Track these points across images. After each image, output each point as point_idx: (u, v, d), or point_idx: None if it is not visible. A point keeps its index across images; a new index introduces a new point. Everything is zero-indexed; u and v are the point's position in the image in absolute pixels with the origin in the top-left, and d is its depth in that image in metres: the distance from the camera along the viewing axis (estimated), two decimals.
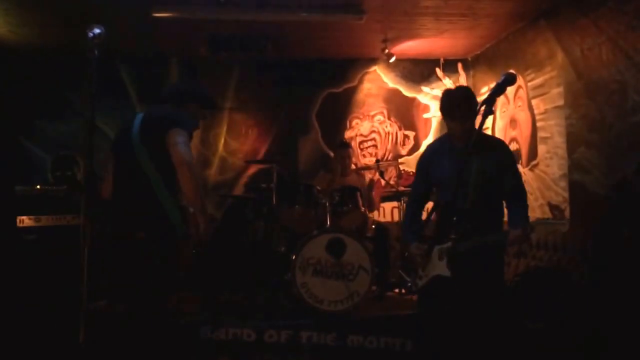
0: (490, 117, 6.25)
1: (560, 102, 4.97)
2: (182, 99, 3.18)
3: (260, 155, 6.64)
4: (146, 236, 2.84)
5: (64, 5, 4.86)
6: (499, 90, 2.55)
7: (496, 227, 3.05)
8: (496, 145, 3.16)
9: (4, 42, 5.75)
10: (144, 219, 2.88)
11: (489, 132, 6.41)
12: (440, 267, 2.97)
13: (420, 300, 3.37)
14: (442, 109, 2.99)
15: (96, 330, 2.48)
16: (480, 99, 2.83)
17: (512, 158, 3.17)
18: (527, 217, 3.03)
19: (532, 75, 5.44)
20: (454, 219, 2.91)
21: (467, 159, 2.79)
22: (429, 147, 3.34)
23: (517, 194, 3.09)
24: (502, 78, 2.51)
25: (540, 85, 5.31)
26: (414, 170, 5.30)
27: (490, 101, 2.51)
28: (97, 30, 2.20)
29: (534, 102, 5.46)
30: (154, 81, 6.52)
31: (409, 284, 3.46)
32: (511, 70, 2.48)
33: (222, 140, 6.68)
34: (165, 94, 3.29)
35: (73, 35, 4.88)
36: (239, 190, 6.57)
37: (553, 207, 5.01)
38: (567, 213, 4.83)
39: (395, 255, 5.58)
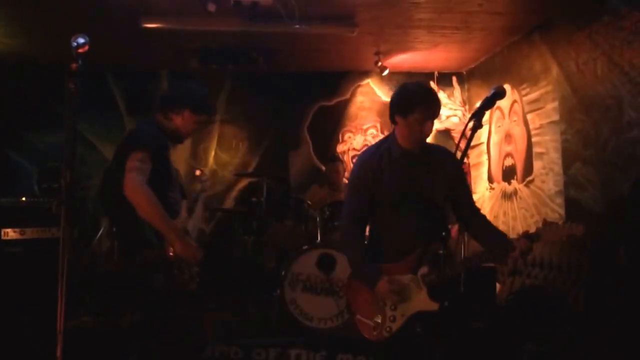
0: (485, 132, 6.22)
1: (556, 117, 4.92)
2: (169, 106, 2.89)
3: (251, 169, 6.56)
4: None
5: (52, 16, 4.79)
6: (488, 104, 2.42)
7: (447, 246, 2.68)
8: (445, 153, 2.77)
9: None
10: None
11: (483, 147, 6.36)
12: (420, 301, 2.50)
13: (396, 348, 2.59)
14: (413, 102, 2.52)
15: (76, 346, 2.38)
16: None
17: (463, 169, 2.85)
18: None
19: (527, 90, 5.39)
20: (417, 240, 2.52)
21: (419, 170, 2.57)
22: (366, 159, 2.71)
23: (476, 207, 2.79)
24: (492, 92, 2.41)
25: (536, 100, 5.26)
26: None
27: (479, 115, 2.39)
28: (81, 40, 2.13)
29: (529, 116, 5.40)
30: (143, 94, 6.45)
31: (374, 331, 2.55)
32: (502, 84, 2.38)
33: (213, 153, 6.60)
34: (155, 102, 3.12)
35: (60, 46, 4.80)
36: (229, 204, 6.48)
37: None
38: None
39: None
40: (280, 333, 4.21)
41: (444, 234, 2.63)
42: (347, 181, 5.91)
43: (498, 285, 5.16)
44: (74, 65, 2.11)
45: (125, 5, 4.57)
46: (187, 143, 6.48)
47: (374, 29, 5.21)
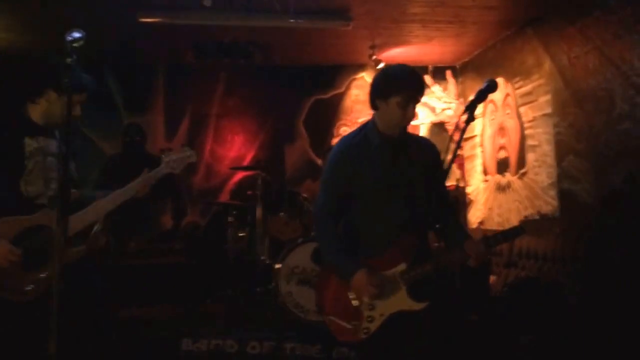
0: (479, 125, 6.26)
1: (549, 110, 4.96)
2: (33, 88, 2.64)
3: (246, 162, 6.57)
4: None
5: (49, 9, 4.77)
6: (480, 97, 2.33)
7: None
8: (424, 142, 2.66)
9: None
10: None
11: (477, 139, 6.40)
12: (400, 300, 2.32)
13: (375, 351, 2.39)
14: (395, 84, 2.38)
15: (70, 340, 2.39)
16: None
17: (441, 159, 2.60)
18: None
19: (520, 83, 5.42)
20: (397, 234, 2.37)
21: (400, 158, 2.42)
22: (344, 146, 2.54)
23: (451, 201, 2.70)
24: (484, 85, 2.32)
25: (529, 93, 5.29)
26: None
27: (472, 107, 2.30)
28: (76, 35, 2.11)
29: (522, 109, 5.44)
30: (140, 89, 6.46)
31: (351, 333, 2.35)
32: (495, 78, 2.33)
33: (208, 147, 6.61)
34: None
35: (57, 41, 4.80)
36: (224, 197, 6.49)
37: (542, 217, 4.97)
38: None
39: None
40: (276, 326, 4.19)
41: (426, 226, 2.48)
42: None
43: (492, 277, 5.21)
44: (68, 60, 2.11)
45: (123, 0, 4.57)
46: (183, 136, 6.52)
47: (368, 22, 5.22)
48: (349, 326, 2.36)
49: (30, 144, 2.54)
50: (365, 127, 2.56)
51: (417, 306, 2.31)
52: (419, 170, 2.45)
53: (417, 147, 2.53)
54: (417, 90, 2.40)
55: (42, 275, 2.44)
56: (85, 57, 2.12)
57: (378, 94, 2.43)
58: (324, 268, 2.58)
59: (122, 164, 5.05)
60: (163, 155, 2.87)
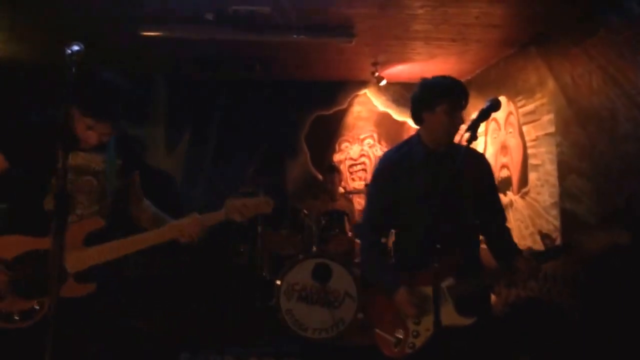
0: (481, 143, 6.24)
1: (551, 129, 4.94)
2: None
3: (248, 177, 6.54)
4: None
5: (51, 21, 4.79)
6: (483, 116, 2.29)
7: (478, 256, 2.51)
8: (473, 153, 2.58)
9: None
10: None
11: None
12: (447, 315, 2.26)
13: None
14: (438, 93, 2.39)
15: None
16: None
17: (492, 171, 2.66)
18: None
19: (523, 102, 5.41)
20: (444, 248, 2.25)
21: (446, 171, 2.34)
22: (387, 159, 2.59)
23: (504, 214, 2.60)
24: (487, 104, 2.26)
25: (531, 112, 5.28)
26: None
27: (474, 126, 2.25)
28: (75, 48, 2.09)
29: (524, 128, 5.42)
30: (141, 101, 6.46)
31: (395, 347, 2.31)
32: (499, 97, 2.32)
33: (209, 160, 6.59)
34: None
35: (58, 53, 4.81)
36: None
37: (544, 236, 4.94)
38: (558, 242, 4.76)
39: None
40: (275, 343, 4.19)
41: (476, 240, 2.46)
42: (343, 191, 5.91)
43: (493, 297, 5.16)
44: (68, 73, 2.09)
45: (125, 14, 4.58)
46: (184, 149, 6.51)
47: (371, 39, 5.23)
48: (394, 340, 2.35)
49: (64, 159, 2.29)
50: (409, 141, 2.58)
51: (465, 322, 2.28)
52: (468, 183, 2.42)
53: (466, 159, 2.41)
54: (462, 96, 2.43)
55: (35, 306, 2.20)
56: (86, 69, 2.10)
57: (423, 105, 2.45)
58: (370, 280, 2.58)
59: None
60: (227, 200, 2.51)
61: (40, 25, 4.91)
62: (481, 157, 2.62)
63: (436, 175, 2.39)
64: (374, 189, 2.59)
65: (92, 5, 4.39)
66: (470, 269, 2.35)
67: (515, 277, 2.35)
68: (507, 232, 2.58)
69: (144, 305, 4.61)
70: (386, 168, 2.54)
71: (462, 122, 2.42)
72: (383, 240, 2.58)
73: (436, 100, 2.39)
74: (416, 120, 2.49)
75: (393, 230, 2.62)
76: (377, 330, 2.41)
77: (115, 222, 2.51)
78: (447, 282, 2.32)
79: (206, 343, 4.17)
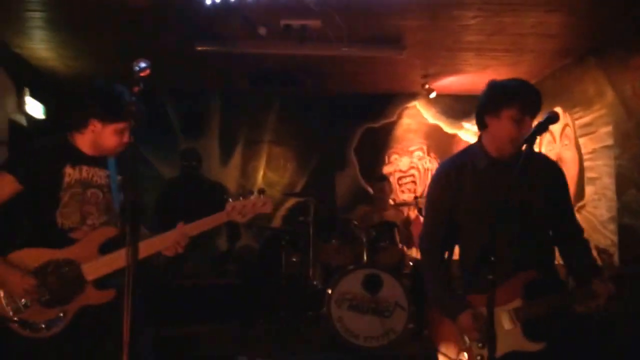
0: None
1: (610, 142, 4.80)
2: (78, 118, 2.41)
3: (298, 189, 6.64)
4: None
5: (114, 38, 5.02)
6: (540, 129, 2.07)
7: (553, 274, 2.28)
8: (544, 161, 2.36)
9: (56, 74, 5.96)
10: None
11: None
12: (514, 339, 2.11)
13: None
14: (506, 95, 2.16)
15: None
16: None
17: (566, 181, 2.37)
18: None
19: (580, 114, 5.28)
20: (512, 266, 2.15)
21: (512, 181, 2.02)
22: (446, 167, 2.36)
23: (580, 229, 2.38)
24: (545, 117, 2.06)
25: (588, 124, 5.14)
26: None
27: (532, 140, 2.06)
28: (142, 65, 2.19)
29: (581, 140, 5.29)
30: (197, 114, 6.68)
31: None
32: (555, 109, 2.18)
33: (261, 172, 6.73)
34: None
35: (121, 68, 5.02)
36: (276, 222, 6.57)
37: (601, 251, 4.78)
38: (615, 258, 4.60)
39: None
40: (327, 350, 4.25)
41: (549, 258, 2.27)
42: (392, 202, 5.90)
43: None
44: (135, 88, 2.19)
45: (182, 31, 4.76)
46: (237, 162, 6.67)
47: (422, 51, 5.23)
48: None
49: (70, 174, 2.37)
50: (470, 148, 2.36)
51: (534, 347, 2.11)
52: (538, 193, 2.21)
53: (536, 167, 2.24)
54: (533, 101, 2.19)
55: (60, 314, 2.24)
56: (145, 83, 2.21)
57: (488, 109, 2.22)
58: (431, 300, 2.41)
59: (180, 188, 5.25)
60: (229, 200, 2.45)
61: (104, 43, 5.16)
62: (553, 164, 2.36)
63: (500, 187, 2.09)
64: (430, 202, 2.38)
65: (153, 22, 4.59)
66: (542, 290, 2.14)
67: (592, 302, 2.13)
68: (584, 245, 2.38)
69: (198, 312, 4.76)
70: (441, 179, 2.32)
71: (530, 130, 2.09)
72: (446, 255, 2.36)
73: (503, 103, 2.16)
74: (479, 124, 2.29)
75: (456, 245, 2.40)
76: (441, 352, 2.26)
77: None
78: (514, 304, 2.14)
79: (260, 350, 4.26)
